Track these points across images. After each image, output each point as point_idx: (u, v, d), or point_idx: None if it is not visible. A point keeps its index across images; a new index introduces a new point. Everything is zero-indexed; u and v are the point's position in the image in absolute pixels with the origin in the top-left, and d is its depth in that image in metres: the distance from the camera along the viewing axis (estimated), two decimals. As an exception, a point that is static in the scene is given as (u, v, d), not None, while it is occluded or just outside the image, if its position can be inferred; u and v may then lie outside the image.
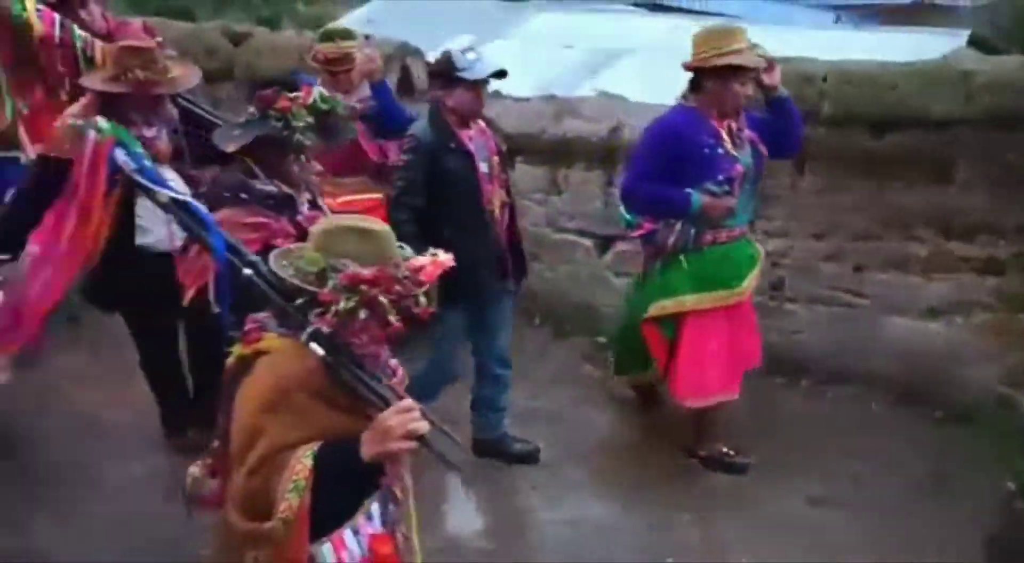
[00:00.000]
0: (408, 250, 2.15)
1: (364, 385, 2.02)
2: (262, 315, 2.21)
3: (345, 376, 2.02)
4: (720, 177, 4.03)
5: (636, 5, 10.37)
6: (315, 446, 1.97)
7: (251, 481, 1.99)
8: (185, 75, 3.63)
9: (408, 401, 1.99)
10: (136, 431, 4.33)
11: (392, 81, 5.53)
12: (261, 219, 3.18)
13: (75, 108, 3.51)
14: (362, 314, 2.00)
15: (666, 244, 4.12)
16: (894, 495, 4.13)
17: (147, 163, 2.80)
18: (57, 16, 3.75)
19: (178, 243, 3.15)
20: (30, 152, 4.00)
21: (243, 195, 3.17)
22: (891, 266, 4.90)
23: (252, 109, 3.31)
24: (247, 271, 2.33)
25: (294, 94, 3.26)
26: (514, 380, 4.43)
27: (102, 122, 2.84)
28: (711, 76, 3.97)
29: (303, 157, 3.38)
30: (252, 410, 2.02)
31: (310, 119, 3.27)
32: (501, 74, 4.13)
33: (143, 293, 3.84)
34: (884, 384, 4.86)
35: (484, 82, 4.08)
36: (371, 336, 2.06)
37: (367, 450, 1.95)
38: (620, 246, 5.64)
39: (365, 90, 4.69)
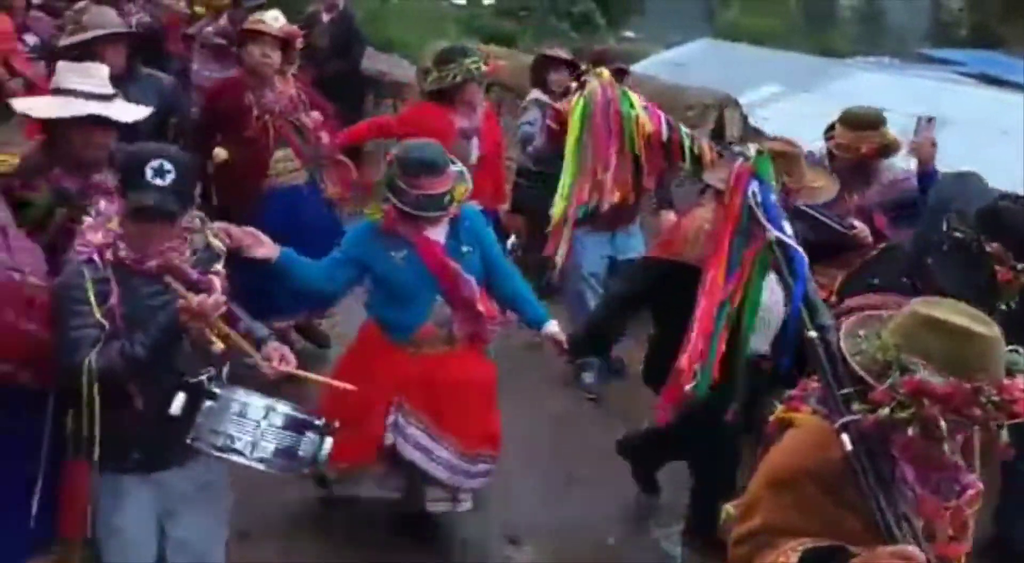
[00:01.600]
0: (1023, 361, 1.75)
1: (878, 506, 1.74)
2: (813, 383, 2.02)
3: (864, 484, 1.75)
4: None
5: (965, 75, 9.70)
6: (808, 544, 1.77)
7: (736, 550, 1.91)
8: (826, 188, 3.28)
9: (912, 550, 1.66)
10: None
11: (706, 131, 5.42)
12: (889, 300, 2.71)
13: (704, 212, 3.17)
14: (911, 431, 1.69)
15: None
16: None
17: (773, 199, 2.71)
18: (663, 115, 3.72)
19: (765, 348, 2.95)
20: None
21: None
22: None
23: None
24: (812, 334, 2.10)
25: None
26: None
27: (751, 150, 2.80)
28: None
29: None
30: (761, 481, 1.91)
31: None
32: None
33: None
34: None
35: None
36: (915, 455, 1.76)
37: None
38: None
39: None
